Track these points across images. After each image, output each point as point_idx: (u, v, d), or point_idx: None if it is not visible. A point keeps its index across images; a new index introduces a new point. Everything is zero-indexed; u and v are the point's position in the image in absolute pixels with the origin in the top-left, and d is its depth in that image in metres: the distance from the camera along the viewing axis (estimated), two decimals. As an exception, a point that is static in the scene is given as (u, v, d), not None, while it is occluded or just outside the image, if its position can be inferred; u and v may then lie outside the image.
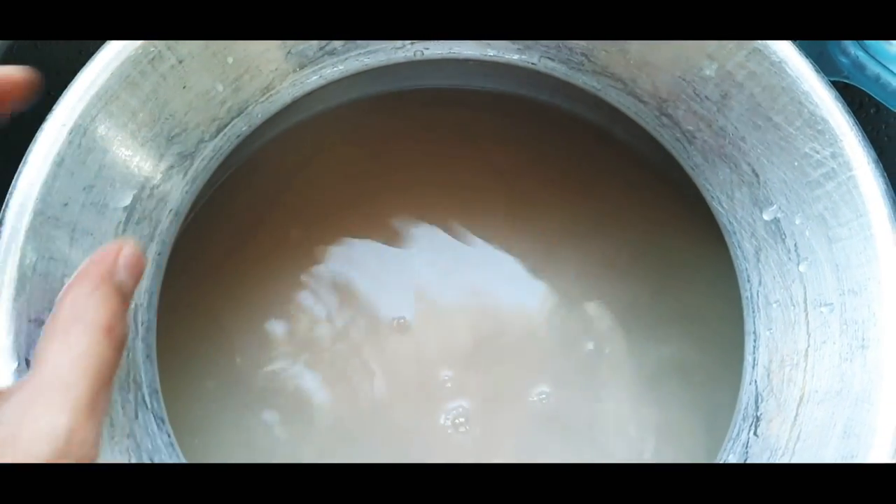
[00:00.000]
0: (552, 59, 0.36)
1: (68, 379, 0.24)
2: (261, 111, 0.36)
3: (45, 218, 0.30)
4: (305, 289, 0.40)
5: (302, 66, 0.36)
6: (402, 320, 0.40)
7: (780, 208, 0.33)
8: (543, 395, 0.39)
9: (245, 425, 0.38)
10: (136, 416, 0.31)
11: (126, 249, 0.27)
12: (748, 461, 0.31)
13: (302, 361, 0.39)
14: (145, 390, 0.32)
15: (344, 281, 0.40)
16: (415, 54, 0.37)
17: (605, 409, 0.39)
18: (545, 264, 0.41)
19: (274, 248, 0.41)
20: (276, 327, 0.40)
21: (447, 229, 0.42)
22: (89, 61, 0.32)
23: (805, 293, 0.32)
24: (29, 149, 0.31)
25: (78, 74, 0.32)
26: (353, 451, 0.38)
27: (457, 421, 0.39)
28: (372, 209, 0.41)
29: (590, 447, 0.38)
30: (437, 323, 0.40)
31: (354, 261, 0.41)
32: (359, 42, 0.36)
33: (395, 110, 0.42)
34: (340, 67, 0.37)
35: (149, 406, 0.32)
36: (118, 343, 0.25)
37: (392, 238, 0.41)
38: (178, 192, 0.34)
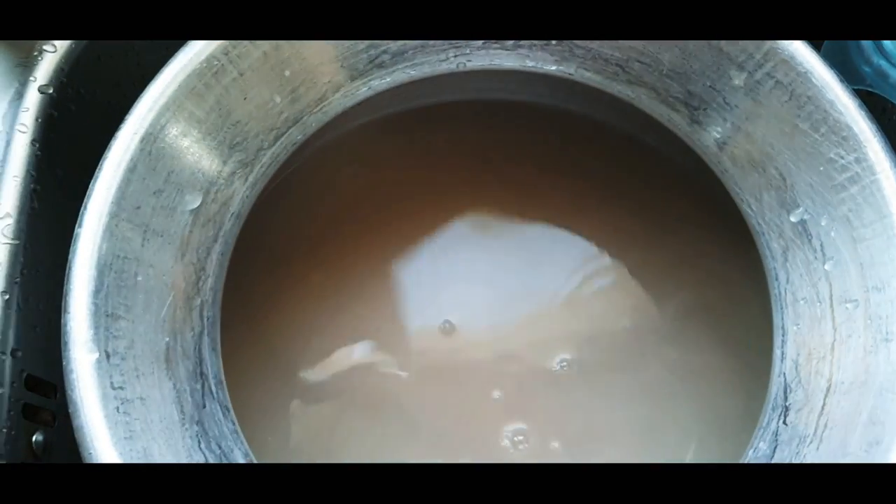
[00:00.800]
0: (588, 70, 0.38)
1: None
2: (315, 121, 0.38)
3: (119, 220, 0.32)
4: (361, 289, 0.42)
5: (353, 78, 0.38)
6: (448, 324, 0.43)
7: (806, 210, 0.35)
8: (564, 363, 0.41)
9: (304, 417, 0.40)
10: (204, 406, 0.33)
11: None
12: (778, 448, 0.33)
13: (355, 358, 0.42)
14: (211, 381, 0.34)
15: (398, 281, 0.43)
16: (457, 66, 0.39)
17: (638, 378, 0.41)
18: (585, 264, 0.43)
19: (328, 245, 0.43)
20: (331, 325, 0.42)
21: (488, 229, 0.44)
22: (158, 74, 0.34)
23: (831, 290, 0.34)
24: (104, 156, 0.33)
25: (148, 86, 0.34)
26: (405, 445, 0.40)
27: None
28: (419, 211, 0.44)
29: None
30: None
31: (406, 260, 0.43)
32: (406, 55, 0.38)
33: (436, 121, 0.44)
34: (388, 79, 0.39)
35: (215, 396, 0.34)
36: None
37: (439, 238, 0.44)
38: (239, 196, 0.36)
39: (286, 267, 0.43)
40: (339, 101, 0.38)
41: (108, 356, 0.31)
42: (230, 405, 0.34)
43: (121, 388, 0.30)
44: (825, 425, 0.32)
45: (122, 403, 0.30)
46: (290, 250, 0.43)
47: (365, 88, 0.38)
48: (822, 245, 0.34)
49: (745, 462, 0.34)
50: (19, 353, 0.35)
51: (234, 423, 0.34)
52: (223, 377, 0.35)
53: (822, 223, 0.34)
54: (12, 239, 0.36)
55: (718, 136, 0.37)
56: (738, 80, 0.35)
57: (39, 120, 0.38)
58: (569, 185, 0.44)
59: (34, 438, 0.36)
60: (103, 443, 0.29)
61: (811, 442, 0.32)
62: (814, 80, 0.34)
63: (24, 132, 0.38)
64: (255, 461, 0.34)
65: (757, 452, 0.33)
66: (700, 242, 0.42)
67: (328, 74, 0.38)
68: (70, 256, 0.31)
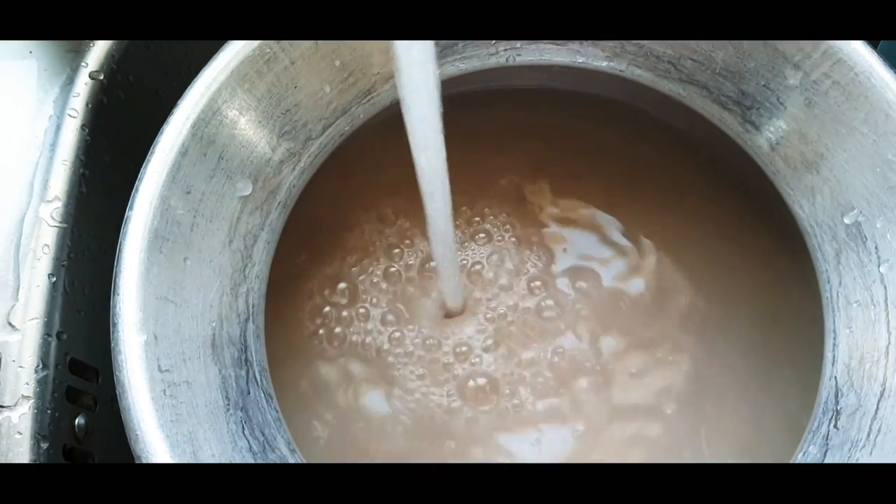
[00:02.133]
0: (639, 67, 0.38)
1: None
2: (362, 112, 0.38)
3: (170, 203, 0.32)
4: (399, 271, 0.42)
5: (402, 70, 0.38)
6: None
7: (861, 212, 0.34)
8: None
9: (347, 407, 0.40)
10: (248, 392, 0.33)
11: None
12: (829, 452, 0.32)
13: (396, 348, 0.41)
14: (255, 368, 0.34)
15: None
16: (507, 60, 0.39)
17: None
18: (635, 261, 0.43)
19: (368, 231, 0.43)
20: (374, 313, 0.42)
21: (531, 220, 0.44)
22: (211, 59, 0.34)
23: (886, 293, 0.33)
24: (156, 139, 0.33)
25: (201, 71, 0.34)
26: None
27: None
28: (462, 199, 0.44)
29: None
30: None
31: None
32: (455, 48, 0.38)
33: (483, 110, 0.44)
34: (437, 72, 0.39)
35: (259, 383, 0.34)
36: None
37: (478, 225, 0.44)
38: (286, 185, 0.36)
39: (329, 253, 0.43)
40: (388, 93, 0.38)
41: (155, 338, 0.31)
42: (273, 393, 0.34)
43: (168, 370, 0.30)
44: (879, 430, 0.31)
45: (168, 386, 0.30)
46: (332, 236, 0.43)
47: (415, 80, 0.38)
48: (876, 247, 0.34)
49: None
50: (64, 336, 0.35)
51: (277, 411, 0.34)
52: (267, 365, 0.35)
53: (878, 225, 0.34)
54: (60, 222, 0.37)
55: (771, 136, 0.37)
56: (794, 79, 0.35)
57: (90, 105, 0.39)
58: (620, 178, 0.44)
59: (76, 422, 0.36)
60: (150, 424, 0.29)
61: (864, 447, 0.31)
62: (873, 80, 0.33)
63: (74, 117, 0.38)
64: (297, 449, 0.33)
65: (806, 456, 0.33)
66: (746, 242, 0.41)
67: (378, 65, 0.37)
68: (120, 238, 0.31)
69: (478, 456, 0.40)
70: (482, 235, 0.44)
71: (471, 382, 0.41)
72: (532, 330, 0.42)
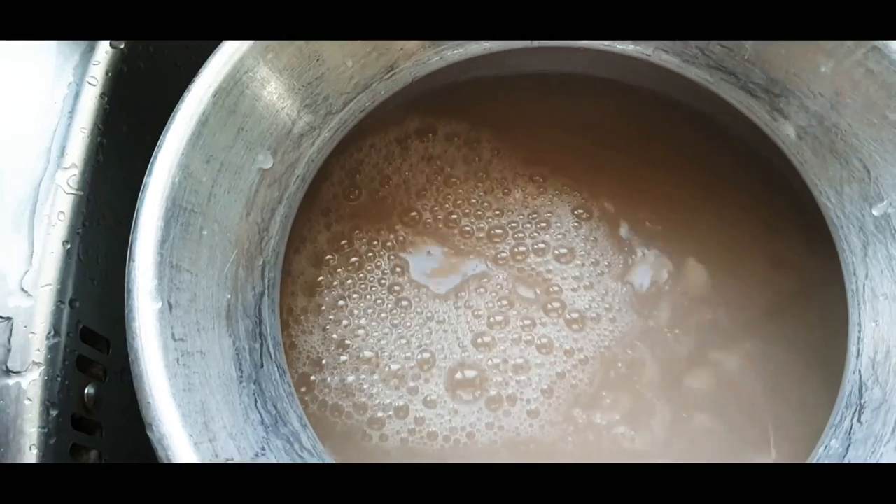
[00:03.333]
0: (666, 52, 0.38)
1: None
2: (384, 88, 0.38)
3: (188, 172, 0.32)
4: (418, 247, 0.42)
5: (426, 47, 0.38)
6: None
7: (890, 204, 0.34)
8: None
9: (360, 390, 0.39)
10: (262, 366, 0.33)
11: None
12: (851, 447, 0.32)
13: (412, 327, 0.41)
14: (269, 342, 0.33)
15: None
16: (531, 41, 0.39)
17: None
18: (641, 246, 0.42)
19: (383, 212, 0.43)
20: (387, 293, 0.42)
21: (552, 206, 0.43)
22: (234, 30, 0.34)
23: (915, 287, 0.33)
24: (177, 107, 0.33)
25: (223, 42, 0.34)
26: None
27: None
28: (478, 185, 0.43)
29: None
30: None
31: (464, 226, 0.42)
32: (481, 26, 0.38)
33: (504, 94, 0.43)
34: (461, 50, 0.38)
35: (273, 357, 0.33)
36: None
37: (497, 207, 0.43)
38: (305, 159, 0.36)
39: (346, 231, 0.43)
40: (410, 70, 0.38)
41: (170, 307, 0.30)
42: (287, 367, 0.34)
43: (182, 339, 0.30)
44: (904, 425, 0.31)
45: (182, 356, 0.30)
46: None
47: (437, 58, 0.38)
48: (906, 240, 0.33)
49: (814, 461, 0.33)
50: (77, 304, 0.35)
51: (290, 386, 0.33)
52: (281, 339, 0.34)
53: (908, 217, 0.33)
54: (77, 190, 0.36)
55: (800, 125, 0.36)
56: (826, 67, 0.34)
57: (109, 74, 0.38)
58: (642, 167, 0.43)
59: (86, 391, 0.35)
60: (162, 392, 0.29)
61: (888, 441, 0.31)
62: (908, 68, 0.33)
63: (93, 85, 0.38)
64: (308, 425, 0.33)
65: (828, 451, 0.32)
66: (770, 233, 0.41)
67: (400, 42, 0.37)
68: (138, 204, 0.31)
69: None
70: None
71: (458, 375, 0.41)
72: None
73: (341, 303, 0.41)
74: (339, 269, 0.42)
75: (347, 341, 0.40)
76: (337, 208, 0.43)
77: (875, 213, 0.34)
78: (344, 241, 0.42)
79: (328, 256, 0.42)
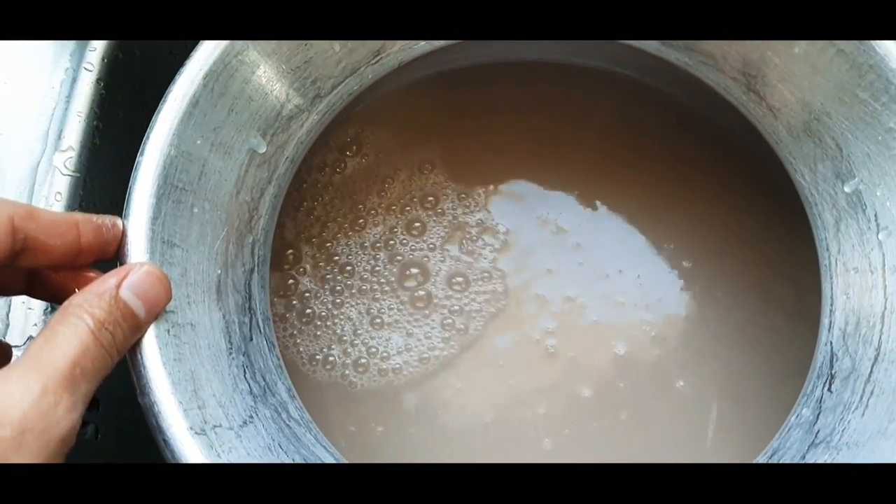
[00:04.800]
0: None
1: (46, 359, 0.25)
2: (371, 72, 0.39)
3: (179, 151, 0.33)
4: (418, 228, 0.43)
5: (412, 32, 0.39)
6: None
7: (861, 180, 0.35)
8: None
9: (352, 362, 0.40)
10: (251, 339, 0.34)
11: (142, 268, 0.29)
12: (822, 415, 0.33)
13: (408, 302, 0.42)
14: (259, 316, 0.35)
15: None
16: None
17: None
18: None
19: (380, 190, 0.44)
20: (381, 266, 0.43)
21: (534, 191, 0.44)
22: (225, 15, 0.35)
23: (884, 260, 0.34)
24: (168, 89, 0.34)
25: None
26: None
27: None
28: (461, 171, 0.44)
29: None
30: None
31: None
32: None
33: (484, 83, 0.44)
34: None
35: (262, 331, 0.34)
36: (107, 343, 0.27)
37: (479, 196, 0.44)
38: (294, 140, 0.37)
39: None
40: (397, 55, 0.39)
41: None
42: (276, 341, 0.35)
43: (172, 312, 0.31)
44: (872, 392, 0.32)
45: (172, 327, 0.31)
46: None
47: (423, 42, 0.39)
48: (876, 215, 0.34)
49: (786, 429, 0.33)
50: (73, 282, 0.36)
51: (278, 359, 0.35)
52: (270, 314, 0.35)
53: (878, 193, 0.34)
54: (73, 172, 0.37)
55: (775, 104, 0.37)
56: (799, 48, 0.35)
57: (105, 60, 0.39)
58: (621, 153, 0.44)
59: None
60: (153, 361, 0.30)
61: (856, 408, 0.32)
62: (877, 48, 0.33)
63: (90, 70, 0.39)
64: (297, 396, 0.34)
65: (800, 419, 0.33)
66: (746, 210, 0.42)
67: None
68: (130, 182, 0.32)
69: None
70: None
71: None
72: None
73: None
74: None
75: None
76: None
77: (847, 189, 0.35)
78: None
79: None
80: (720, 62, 0.38)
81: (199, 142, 0.34)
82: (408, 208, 0.45)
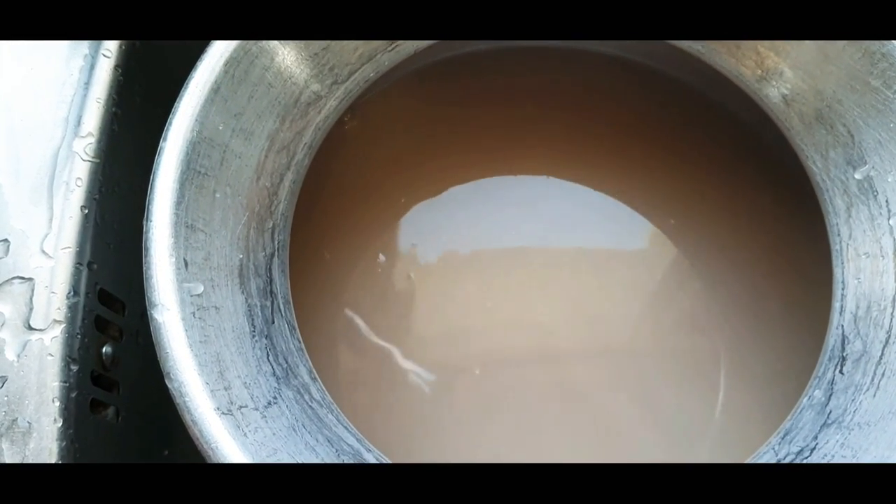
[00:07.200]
0: (659, 23, 0.39)
1: None
2: (387, 59, 0.39)
3: (201, 137, 0.33)
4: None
5: (428, 20, 0.39)
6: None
7: (873, 167, 0.35)
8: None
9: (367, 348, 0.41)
10: (273, 322, 0.34)
11: None
12: (833, 396, 0.33)
13: (410, 285, 0.43)
14: (280, 300, 0.35)
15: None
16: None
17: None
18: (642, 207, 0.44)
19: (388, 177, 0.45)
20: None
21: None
22: (244, 2, 0.35)
23: (894, 245, 0.34)
24: (190, 76, 0.34)
25: (234, 13, 0.35)
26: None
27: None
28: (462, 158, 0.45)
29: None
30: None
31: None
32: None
33: (489, 68, 0.45)
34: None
35: (283, 314, 0.35)
36: None
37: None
38: (312, 127, 0.37)
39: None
40: (412, 42, 0.39)
41: (186, 264, 0.32)
42: (297, 324, 0.35)
43: (197, 295, 0.32)
44: (883, 374, 0.32)
45: (197, 309, 0.31)
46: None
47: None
48: (887, 201, 0.35)
49: (798, 410, 0.34)
50: (94, 266, 0.37)
51: (299, 341, 0.35)
52: (291, 297, 0.36)
53: (889, 179, 0.35)
54: (93, 157, 0.38)
55: (787, 91, 0.37)
56: (811, 36, 0.36)
57: (123, 47, 0.40)
58: (633, 138, 0.45)
59: (104, 350, 0.37)
60: (179, 343, 0.30)
61: (867, 390, 0.32)
62: (889, 36, 0.34)
63: (108, 57, 0.39)
64: (318, 378, 0.35)
65: (812, 400, 0.34)
66: (757, 196, 0.42)
67: (404, 15, 0.38)
68: (154, 167, 0.33)
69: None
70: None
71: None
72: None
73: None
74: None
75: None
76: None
77: (857, 176, 0.36)
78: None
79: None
80: (733, 49, 0.38)
81: (220, 127, 0.34)
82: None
